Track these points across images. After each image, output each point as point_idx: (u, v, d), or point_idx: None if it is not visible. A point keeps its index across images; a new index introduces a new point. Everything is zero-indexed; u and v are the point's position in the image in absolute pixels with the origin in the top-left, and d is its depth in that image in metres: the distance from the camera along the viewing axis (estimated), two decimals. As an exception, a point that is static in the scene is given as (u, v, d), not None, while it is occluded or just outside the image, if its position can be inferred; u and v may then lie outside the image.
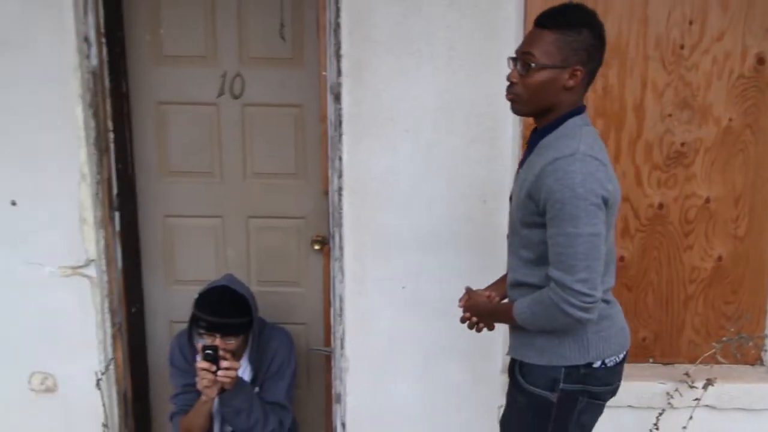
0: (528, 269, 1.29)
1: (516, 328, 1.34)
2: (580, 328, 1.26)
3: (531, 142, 1.31)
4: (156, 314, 2.16)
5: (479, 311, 1.42)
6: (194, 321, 1.77)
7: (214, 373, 1.65)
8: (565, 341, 1.27)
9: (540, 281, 1.26)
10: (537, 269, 1.27)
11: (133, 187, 2.05)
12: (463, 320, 1.44)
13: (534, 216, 1.23)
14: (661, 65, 1.85)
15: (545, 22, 1.20)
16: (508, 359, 1.48)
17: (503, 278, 1.49)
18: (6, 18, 1.75)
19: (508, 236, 1.40)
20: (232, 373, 1.67)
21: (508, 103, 1.31)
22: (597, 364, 1.28)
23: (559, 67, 1.20)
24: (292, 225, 2.09)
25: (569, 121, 1.25)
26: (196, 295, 1.78)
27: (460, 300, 1.46)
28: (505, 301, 1.41)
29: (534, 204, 1.22)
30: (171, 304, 2.15)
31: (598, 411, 1.35)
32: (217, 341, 1.69)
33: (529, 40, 1.23)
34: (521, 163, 1.35)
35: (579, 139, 1.21)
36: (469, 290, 1.46)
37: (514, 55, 1.26)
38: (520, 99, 1.25)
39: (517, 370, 1.34)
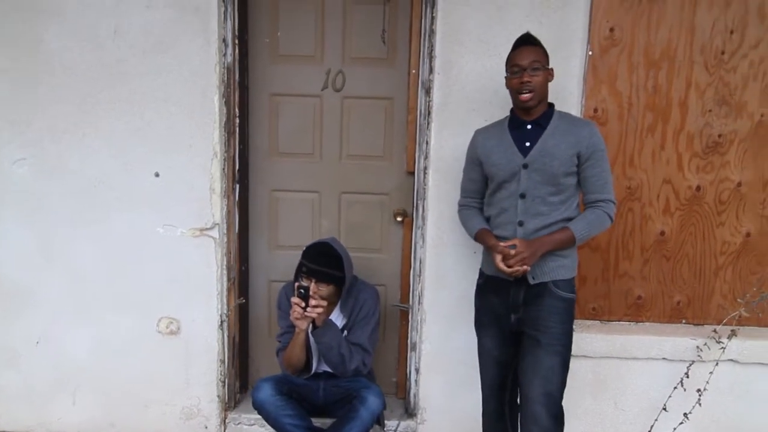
0: (560, 209, 1.74)
1: (549, 257, 1.73)
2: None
3: (540, 124, 1.75)
4: (258, 273, 2.49)
5: (535, 252, 1.69)
6: (299, 268, 2.07)
7: (304, 308, 1.94)
8: (574, 259, 1.81)
9: (571, 213, 1.75)
10: (565, 206, 1.75)
11: (247, 164, 2.39)
12: (521, 270, 1.68)
13: (574, 167, 1.73)
14: (704, 68, 2.13)
15: (533, 41, 1.75)
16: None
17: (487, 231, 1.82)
18: (163, 23, 2.10)
19: (522, 195, 1.73)
20: (318, 310, 1.94)
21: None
22: None
23: (548, 69, 1.75)
24: (378, 200, 2.40)
25: (553, 106, 1.79)
26: (304, 248, 2.06)
27: (510, 251, 1.67)
28: (549, 232, 1.73)
29: (577, 158, 1.72)
30: (271, 265, 2.47)
31: None
32: (311, 284, 1.99)
33: (529, 54, 1.71)
34: (527, 140, 1.74)
35: None
36: (517, 241, 1.69)
37: (515, 70, 1.71)
38: (536, 95, 1.71)
39: (551, 287, 1.76)
